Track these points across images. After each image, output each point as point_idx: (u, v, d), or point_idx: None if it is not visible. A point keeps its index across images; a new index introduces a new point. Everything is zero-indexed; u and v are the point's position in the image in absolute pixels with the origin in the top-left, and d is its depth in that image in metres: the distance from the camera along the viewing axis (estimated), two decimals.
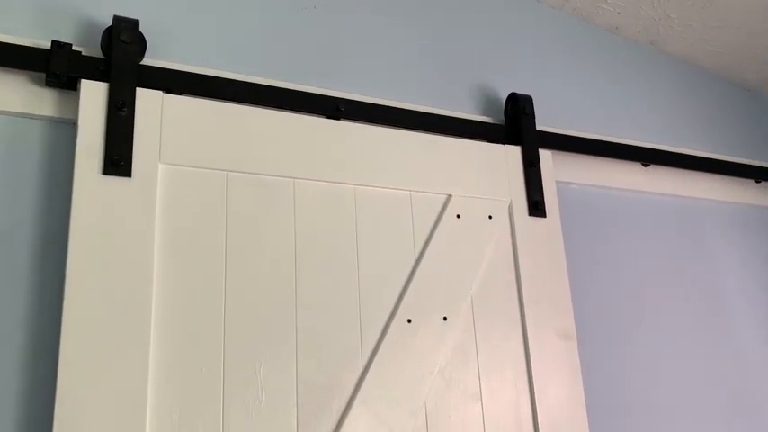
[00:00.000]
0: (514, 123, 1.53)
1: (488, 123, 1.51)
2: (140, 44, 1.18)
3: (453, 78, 1.56)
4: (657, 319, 1.63)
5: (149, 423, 1.01)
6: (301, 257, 1.21)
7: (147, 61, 1.21)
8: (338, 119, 1.33)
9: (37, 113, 1.12)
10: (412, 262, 1.31)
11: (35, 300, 1.04)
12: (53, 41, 1.11)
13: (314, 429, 1.12)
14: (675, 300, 1.68)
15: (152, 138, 1.14)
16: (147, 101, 1.15)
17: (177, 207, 1.13)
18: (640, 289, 1.64)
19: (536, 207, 1.46)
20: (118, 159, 1.09)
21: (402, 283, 1.29)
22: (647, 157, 1.73)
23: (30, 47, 1.11)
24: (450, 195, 1.39)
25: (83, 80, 1.12)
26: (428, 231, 1.35)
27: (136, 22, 1.18)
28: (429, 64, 1.54)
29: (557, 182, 1.58)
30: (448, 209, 1.37)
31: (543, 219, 1.47)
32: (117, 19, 1.16)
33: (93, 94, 1.12)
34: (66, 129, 1.14)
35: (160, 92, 1.17)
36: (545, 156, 1.53)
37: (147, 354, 1.03)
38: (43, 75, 1.13)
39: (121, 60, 1.15)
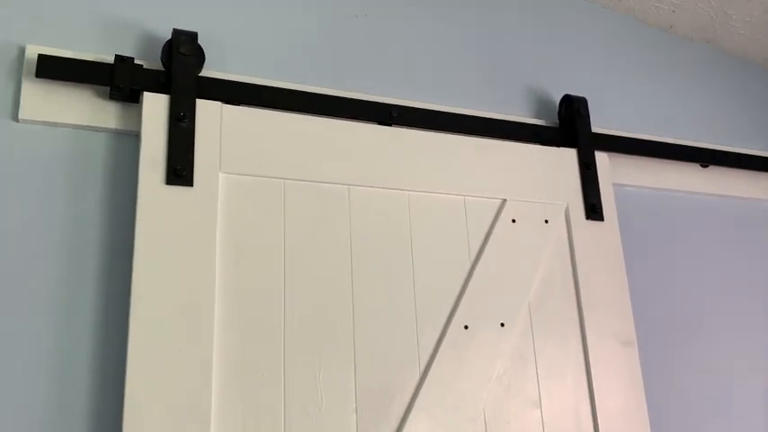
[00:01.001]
0: (569, 125, 1.51)
1: (542, 126, 1.50)
2: (199, 56, 1.20)
3: (505, 81, 1.55)
4: (718, 322, 1.59)
5: (213, 428, 1.03)
6: (357, 263, 1.21)
7: (205, 73, 1.24)
8: (390, 125, 1.34)
9: (101, 126, 1.15)
10: (467, 268, 1.30)
11: (103, 308, 1.07)
12: (116, 56, 1.14)
13: None
14: (735, 303, 1.63)
15: (212, 148, 1.16)
16: (207, 112, 1.18)
17: (237, 215, 1.15)
18: (700, 292, 1.60)
19: (593, 210, 1.44)
20: (180, 169, 1.12)
21: (458, 289, 1.28)
22: (706, 157, 1.68)
23: (94, 61, 1.14)
24: (504, 200, 1.37)
25: (145, 93, 1.15)
26: (483, 236, 1.34)
27: (194, 35, 1.20)
28: (480, 67, 1.53)
29: (613, 184, 1.56)
30: (503, 213, 1.36)
31: (601, 222, 1.44)
32: (176, 32, 1.19)
33: (155, 106, 1.15)
34: (129, 140, 1.17)
35: (219, 102, 1.19)
36: (601, 158, 1.50)
37: (211, 359, 1.05)
38: (107, 88, 1.16)
39: (181, 72, 1.17)
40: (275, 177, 1.20)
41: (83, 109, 1.15)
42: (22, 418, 0.98)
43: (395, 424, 1.14)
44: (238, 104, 1.22)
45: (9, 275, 1.04)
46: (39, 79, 1.12)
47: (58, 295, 1.05)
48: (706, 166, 1.71)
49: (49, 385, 1.01)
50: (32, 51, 1.14)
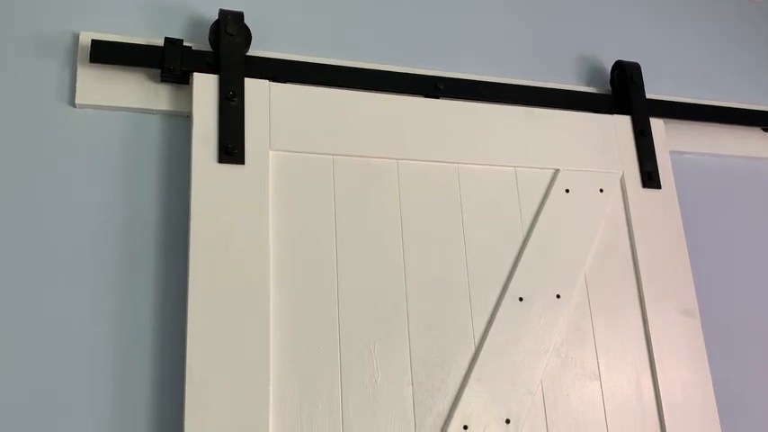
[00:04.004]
0: (622, 92, 1.46)
1: (594, 94, 1.46)
2: (245, 35, 1.21)
3: (554, 49, 1.51)
4: None
5: (272, 401, 1.04)
6: (408, 237, 1.21)
7: (252, 52, 1.25)
8: (438, 98, 1.32)
9: (154, 108, 1.18)
10: (520, 239, 1.28)
11: (162, 286, 1.10)
12: (166, 38, 1.16)
13: (430, 407, 1.12)
14: None
15: (261, 125, 1.17)
16: (255, 90, 1.19)
17: (288, 191, 1.16)
18: (762, 260, 1.53)
19: (650, 178, 1.40)
20: (231, 147, 1.13)
21: (511, 261, 1.26)
22: None
23: (145, 45, 1.16)
24: (557, 170, 1.34)
25: (194, 73, 1.17)
26: (536, 207, 1.31)
27: (240, 15, 1.21)
28: (528, 35, 1.50)
29: (670, 152, 1.51)
30: (556, 184, 1.33)
31: (658, 190, 1.40)
32: (223, 12, 1.20)
33: (205, 87, 1.16)
34: (181, 122, 1.19)
35: (267, 81, 1.20)
36: (656, 124, 1.46)
37: (267, 334, 1.06)
38: (158, 71, 1.18)
39: (229, 52, 1.19)
40: (324, 153, 1.20)
41: (135, 92, 1.17)
42: (87, 387, 1.02)
43: (451, 396, 1.14)
44: (286, 82, 1.23)
45: (70, 258, 1.07)
46: (93, 65, 1.15)
47: (119, 275, 1.08)
48: None
49: (113, 362, 1.04)
50: (86, 38, 1.17)
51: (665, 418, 1.24)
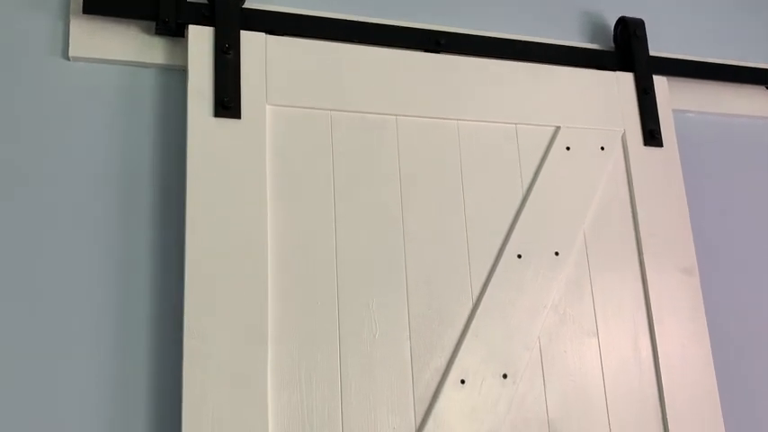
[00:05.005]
0: (625, 49, 1.44)
1: (597, 50, 1.43)
2: None
3: (557, 5, 1.48)
4: None
5: (270, 354, 1.05)
6: (407, 194, 1.20)
7: (248, 4, 1.22)
8: (438, 53, 1.30)
9: (149, 62, 1.16)
10: (520, 197, 1.27)
11: (158, 241, 1.09)
12: None
13: (428, 361, 1.12)
14: None
15: (258, 79, 1.15)
16: (251, 43, 1.17)
17: (285, 146, 1.15)
18: (763, 220, 1.53)
19: (652, 136, 1.38)
20: (227, 101, 1.11)
21: (510, 219, 1.25)
22: None
23: None
24: (558, 127, 1.33)
25: (190, 26, 1.15)
26: (536, 165, 1.30)
27: None
28: None
29: (673, 110, 1.49)
30: (557, 141, 1.32)
31: (660, 148, 1.39)
32: None
33: (200, 39, 1.14)
34: (176, 75, 1.18)
35: (263, 33, 1.18)
36: (659, 82, 1.44)
37: (266, 288, 1.06)
38: (153, 24, 1.16)
39: (225, 4, 1.16)
40: (322, 109, 1.19)
41: (130, 45, 1.15)
42: (86, 333, 1.02)
43: (448, 351, 1.14)
44: (283, 35, 1.20)
45: (64, 211, 1.06)
46: (87, 16, 1.13)
47: (115, 230, 1.08)
48: None
49: (108, 311, 1.04)
50: None
51: (663, 375, 1.24)
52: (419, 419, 1.09)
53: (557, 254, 1.25)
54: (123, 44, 1.15)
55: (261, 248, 1.07)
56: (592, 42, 1.47)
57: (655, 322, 1.27)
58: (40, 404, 0.98)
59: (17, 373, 0.98)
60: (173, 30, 1.15)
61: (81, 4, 1.13)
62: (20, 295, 1.01)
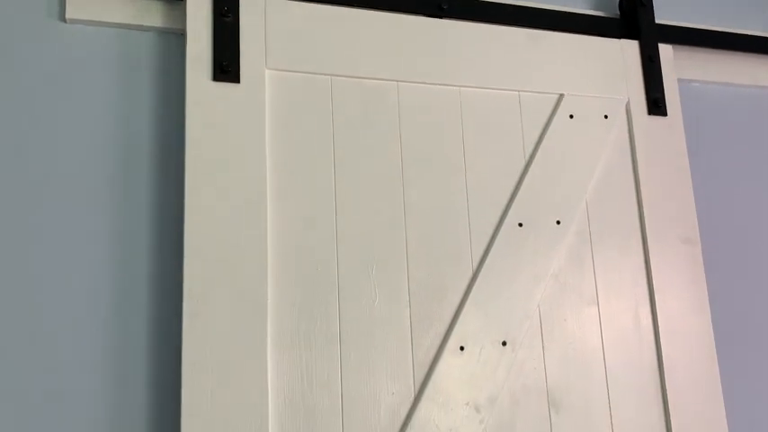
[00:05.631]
0: (630, 16, 1.42)
1: (602, 17, 1.41)
2: None
3: None
4: None
5: (270, 318, 1.05)
6: (408, 161, 1.19)
7: None
8: (441, 17, 1.28)
9: (147, 25, 1.14)
10: (522, 165, 1.26)
11: (157, 204, 1.09)
12: None
13: (427, 328, 1.12)
14: None
15: (257, 43, 1.14)
16: (251, 6, 1.15)
17: (285, 111, 1.14)
18: (766, 192, 1.51)
19: (656, 105, 1.37)
20: (226, 65, 1.10)
21: (512, 187, 1.25)
22: None
23: None
24: (561, 95, 1.31)
25: None
26: (539, 133, 1.29)
27: None
28: None
29: (678, 80, 1.47)
30: (560, 109, 1.30)
31: (664, 118, 1.37)
32: None
33: (199, 2, 1.13)
34: (174, 39, 1.16)
35: None
36: (665, 50, 1.42)
37: (265, 253, 1.06)
38: None
39: None
40: (322, 74, 1.17)
41: (128, 8, 1.14)
42: (85, 295, 1.02)
43: (448, 318, 1.14)
44: None
45: (62, 176, 1.06)
46: None
47: (113, 196, 1.07)
48: None
49: (107, 273, 1.04)
50: None
51: (663, 344, 1.24)
52: (418, 385, 1.09)
53: (558, 223, 1.24)
54: (121, 7, 1.13)
55: (260, 213, 1.07)
56: (597, 9, 1.45)
57: (655, 291, 1.27)
58: (38, 357, 0.98)
59: (16, 316, 0.99)
60: None
61: None
62: (18, 258, 1.01)
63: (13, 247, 1.01)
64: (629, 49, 1.38)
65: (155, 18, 1.15)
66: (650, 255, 1.28)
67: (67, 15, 1.10)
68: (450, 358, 1.11)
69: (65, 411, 0.98)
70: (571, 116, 1.30)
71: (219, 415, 0.98)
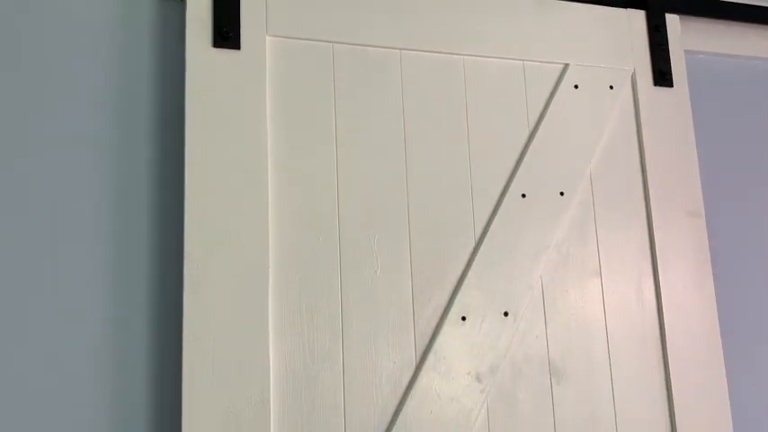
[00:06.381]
0: None
1: None
2: None
3: None
4: None
5: (272, 286, 1.04)
6: (410, 130, 1.18)
7: None
8: None
9: None
10: (525, 135, 1.25)
11: (156, 171, 1.08)
12: None
13: (429, 298, 1.12)
14: None
15: (258, 9, 1.12)
16: None
17: (286, 78, 1.12)
18: None
19: (662, 76, 1.35)
20: (226, 31, 1.09)
21: (515, 158, 1.23)
22: None
23: None
24: (567, 64, 1.29)
25: None
26: (543, 103, 1.27)
27: None
28: None
29: (685, 51, 1.44)
30: (565, 79, 1.28)
31: (670, 89, 1.35)
32: None
33: None
34: (174, 4, 1.14)
35: None
36: (672, 20, 1.39)
37: (266, 221, 1.05)
38: None
39: None
40: (323, 41, 1.16)
41: None
42: (84, 259, 1.02)
43: (450, 289, 1.14)
44: None
45: (61, 141, 1.05)
46: None
47: (113, 159, 1.06)
48: None
49: (106, 237, 1.03)
50: None
51: (665, 316, 1.24)
52: (419, 354, 1.09)
53: (561, 194, 1.23)
54: None
55: (261, 182, 1.06)
56: None
57: (659, 263, 1.26)
58: (39, 311, 0.98)
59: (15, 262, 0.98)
60: None
61: None
62: (19, 216, 1.00)
63: (11, 200, 1.00)
64: (635, 19, 1.36)
65: None
66: (654, 227, 1.27)
67: None
68: (451, 328, 1.11)
69: (64, 384, 0.98)
70: (576, 86, 1.29)
71: (221, 385, 0.98)
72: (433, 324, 1.11)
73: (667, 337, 1.23)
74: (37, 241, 1.01)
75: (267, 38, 1.12)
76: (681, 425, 1.19)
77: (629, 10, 1.36)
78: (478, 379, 1.10)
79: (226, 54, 1.09)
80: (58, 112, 1.05)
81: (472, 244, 1.17)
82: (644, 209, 1.28)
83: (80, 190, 1.04)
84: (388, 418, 1.06)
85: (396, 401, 1.07)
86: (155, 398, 1.01)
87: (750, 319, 1.38)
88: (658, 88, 1.34)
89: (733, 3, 1.48)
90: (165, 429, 1.00)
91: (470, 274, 1.14)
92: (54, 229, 1.02)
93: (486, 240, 1.17)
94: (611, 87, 1.31)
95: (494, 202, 1.20)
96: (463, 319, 1.12)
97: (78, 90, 1.07)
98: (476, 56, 1.24)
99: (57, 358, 0.98)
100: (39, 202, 1.02)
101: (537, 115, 1.26)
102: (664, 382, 1.21)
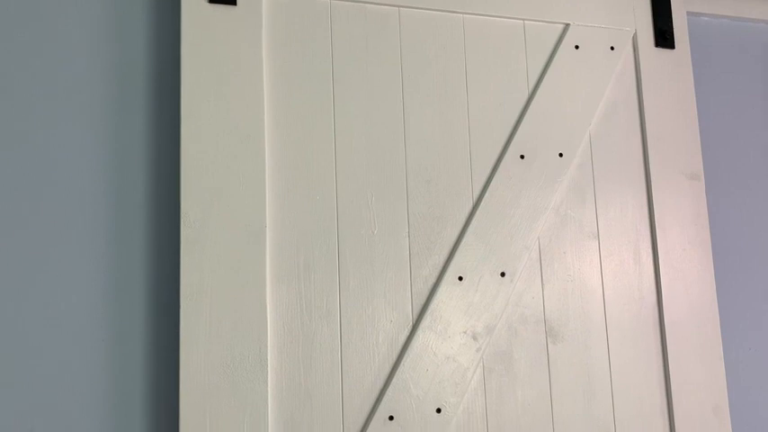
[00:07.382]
0: None
1: None
2: None
3: None
4: None
5: (269, 245, 1.04)
6: (409, 89, 1.16)
7: None
8: None
9: None
10: (525, 96, 1.24)
11: (152, 130, 1.07)
12: None
13: (426, 258, 1.12)
14: None
15: None
16: None
17: (283, 36, 1.11)
18: None
19: (663, 37, 1.33)
20: None
21: (515, 119, 1.22)
22: None
23: None
24: (567, 24, 1.28)
25: None
26: (543, 64, 1.26)
27: None
28: None
29: (687, 13, 1.43)
30: (565, 39, 1.27)
31: (671, 50, 1.34)
32: None
33: None
34: None
35: None
36: None
37: (263, 181, 1.05)
38: None
39: None
40: None
41: None
42: (84, 220, 1.01)
43: (447, 249, 1.14)
44: None
45: (56, 101, 1.04)
46: None
47: (109, 119, 1.05)
48: None
49: (103, 199, 1.03)
50: None
51: (662, 279, 1.24)
52: (416, 313, 1.10)
53: (560, 155, 1.23)
54: None
55: (258, 140, 1.05)
56: None
57: (657, 226, 1.26)
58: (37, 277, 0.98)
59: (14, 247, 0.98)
60: None
61: None
62: (17, 181, 1.00)
63: (10, 169, 1.00)
64: None
65: None
66: (653, 189, 1.27)
67: None
68: (448, 288, 1.11)
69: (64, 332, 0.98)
70: (576, 47, 1.27)
71: (218, 343, 0.98)
72: (430, 283, 1.11)
73: (664, 300, 1.23)
74: (33, 197, 1.00)
75: None
76: (675, 385, 1.20)
77: None
78: (474, 338, 1.11)
79: (222, 10, 1.07)
80: (50, 74, 1.04)
81: (470, 204, 1.16)
82: (643, 171, 1.28)
83: (76, 151, 1.03)
84: (385, 375, 1.06)
85: (392, 360, 1.07)
86: (152, 365, 1.01)
87: (746, 283, 1.39)
88: (659, 50, 1.33)
89: None
90: (162, 389, 1.00)
91: (468, 234, 1.14)
92: (50, 187, 1.01)
93: (483, 201, 1.17)
94: (612, 48, 1.30)
95: (492, 163, 1.20)
96: (460, 278, 1.12)
97: (71, 49, 1.06)
98: (476, 14, 1.22)
99: (55, 322, 0.98)
100: (35, 158, 1.01)
101: (537, 75, 1.25)
102: (659, 343, 1.22)
